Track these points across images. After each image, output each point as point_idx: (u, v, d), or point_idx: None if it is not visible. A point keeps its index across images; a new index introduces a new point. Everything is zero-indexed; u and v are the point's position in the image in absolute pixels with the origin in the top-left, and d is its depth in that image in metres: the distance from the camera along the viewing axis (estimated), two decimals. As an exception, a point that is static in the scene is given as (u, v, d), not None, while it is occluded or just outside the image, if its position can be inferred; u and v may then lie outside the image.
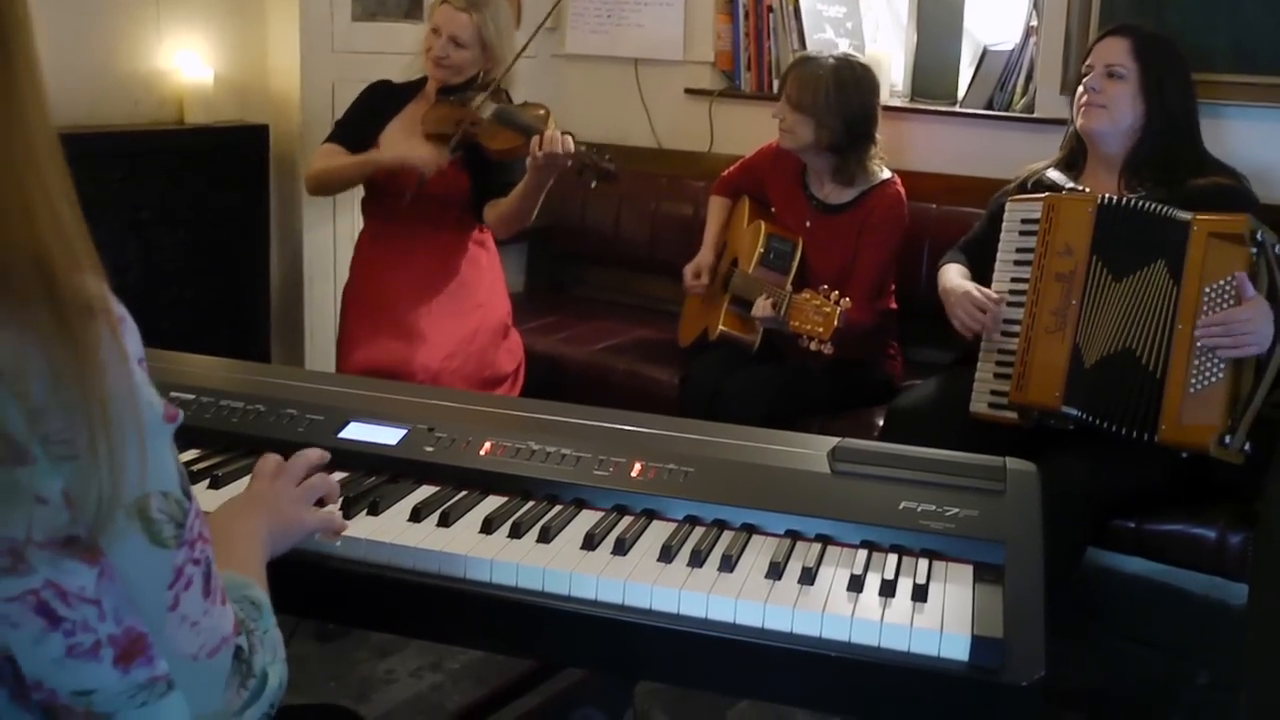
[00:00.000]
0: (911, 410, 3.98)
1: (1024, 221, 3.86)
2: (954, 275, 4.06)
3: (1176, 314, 3.51)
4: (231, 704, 1.45)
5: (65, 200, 1.33)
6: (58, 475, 1.26)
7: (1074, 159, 4.07)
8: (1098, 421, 3.60)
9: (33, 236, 1.27)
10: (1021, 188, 4.04)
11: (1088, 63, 3.98)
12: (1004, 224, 3.92)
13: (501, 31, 4.56)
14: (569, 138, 4.21)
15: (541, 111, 4.41)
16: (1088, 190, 3.87)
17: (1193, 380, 3.47)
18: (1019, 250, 3.85)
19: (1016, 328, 3.79)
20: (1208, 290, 3.46)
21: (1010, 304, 3.84)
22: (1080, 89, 3.96)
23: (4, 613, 1.29)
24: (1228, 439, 3.41)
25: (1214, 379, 3.44)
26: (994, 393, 3.81)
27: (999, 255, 3.91)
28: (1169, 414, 3.50)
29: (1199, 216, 3.51)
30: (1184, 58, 3.96)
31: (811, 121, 4.44)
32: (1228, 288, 3.42)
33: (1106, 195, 3.70)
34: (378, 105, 4.64)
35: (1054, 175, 4.01)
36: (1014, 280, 3.84)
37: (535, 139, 4.19)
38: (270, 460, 2.05)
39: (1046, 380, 3.68)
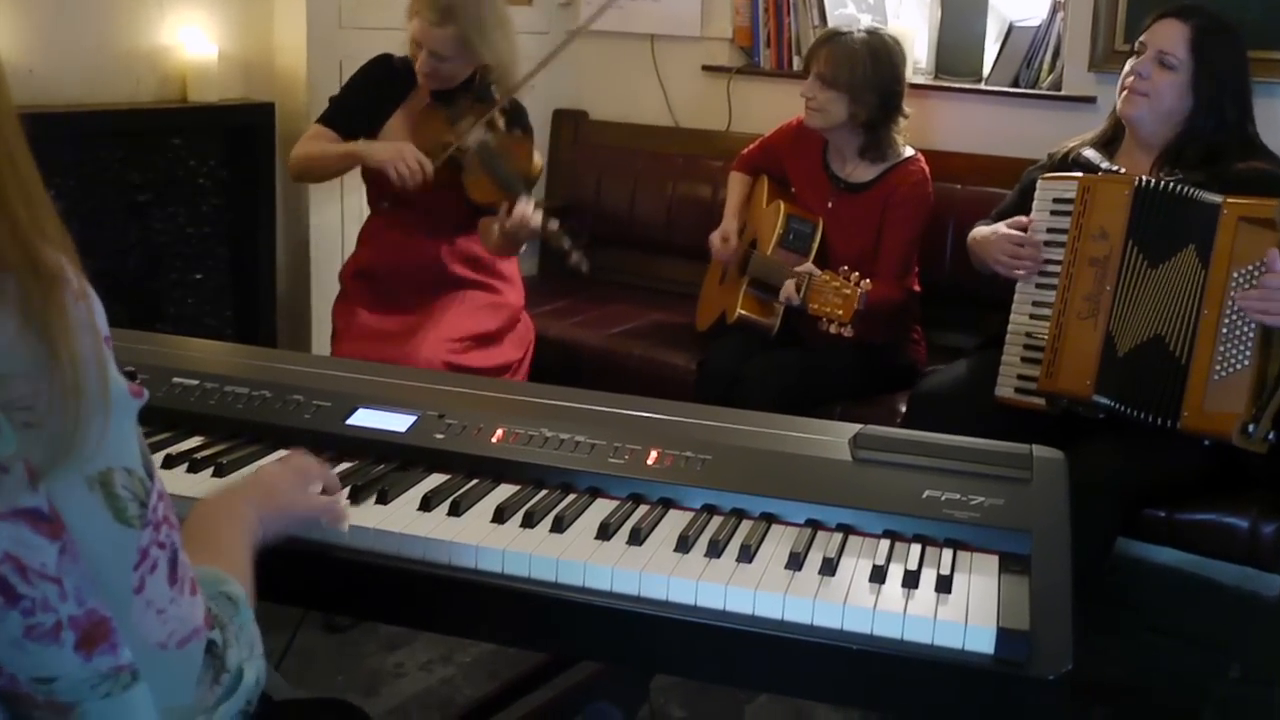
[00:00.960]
0: (935, 395, 3.97)
1: (1056, 201, 3.82)
2: (983, 228, 4.04)
3: (1203, 299, 3.50)
4: (204, 700, 1.44)
5: (30, 172, 1.34)
6: (19, 443, 1.25)
7: (1114, 136, 4.01)
8: (1128, 410, 3.59)
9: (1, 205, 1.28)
10: (1055, 164, 4.01)
11: (1141, 39, 3.87)
12: (1035, 202, 3.87)
13: (487, 34, 4.34)
14: (538, 214, 4.15)
15: (524, 158, 4.33)
16: (1123, 171, 3.84)
17: (1217, 367, 3.46)
18: (1050, 230, 3.81)
19: (1046, 311, 3.77)
20: (1236, 275, 3.44)
21: (1040, 285, 3.82)
22: (1127, 68, 3.88)
23: None
24: (1251, 428, 3.40)
25: (1239, 366, 3.43)
26: (1021, 377, 3.79)
27: (1031, 235, 3.88)
28: (1191, 401, 3.49)
29: (1230, 200, 3.48)
30: (1244, 47, 3.85)
31: (845, 98, 4.43)
32: (1256, 272, 3.41)
33: (1143, 178, 3.65)
34: (374, 89, 4.55)
35: (1089, 154, 3.95)
36: (1046, 261, 3.81)
37: (504, 207, 4.18)
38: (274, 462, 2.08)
39: (1078, 368, 3.66)
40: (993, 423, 3.28)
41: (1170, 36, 3.78)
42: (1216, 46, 3.78)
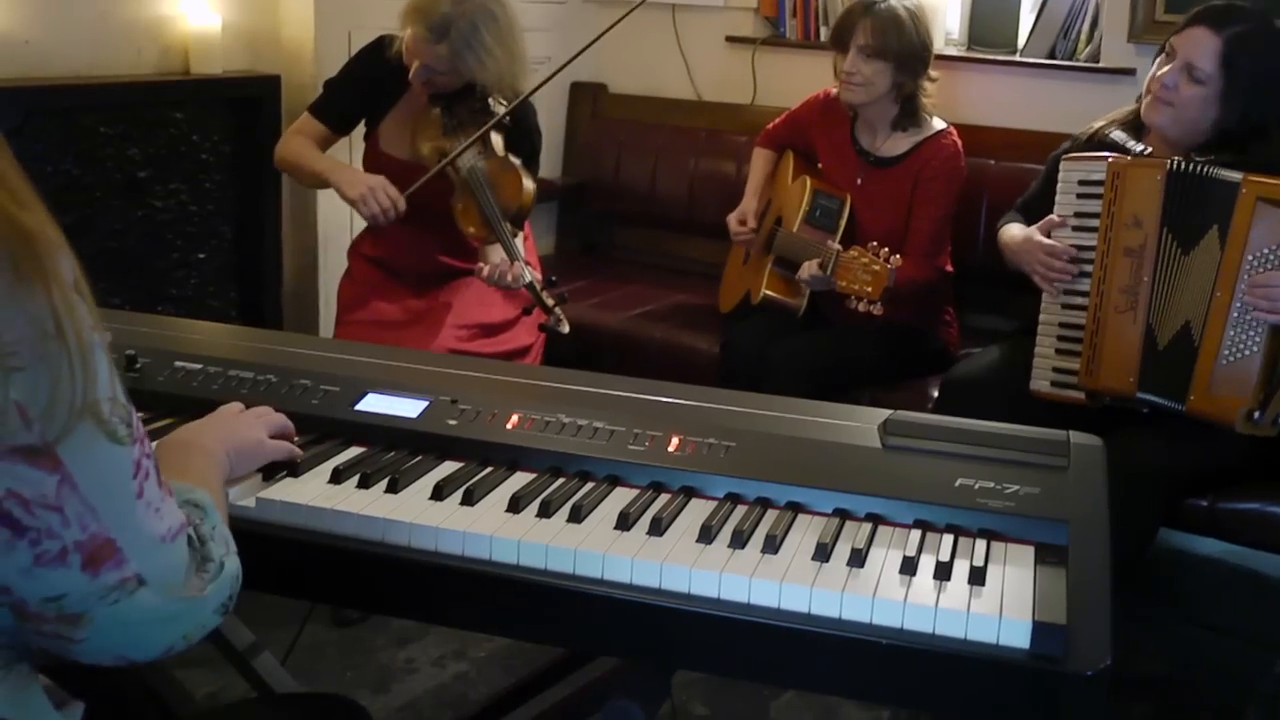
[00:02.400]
0: (969, 381, 3.96)
1: (1081, 183, 3.77)
2: (1013, 229, 4.02)
3: (1217, 281, 3.48)
4: (194, 585, 1.60)
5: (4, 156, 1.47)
6: (8, 385, 1.39)
7: (1139, 122, 3.94)
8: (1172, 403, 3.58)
9: None
10: (1080, 146, 3.97)
11: (1171, 42, 3.77)
12: (1059, 185, 3.83)
13: (484, 55, 4.17)
14: (518, 267, 4.04)
15: (514, 188, 4.21)
16: (1151, 153, 3.80)
17: (1225, 352, 3.45)
18: (1077, 214, 3.78)
19: (1079, 300, 3.75)
20: (1250, 258, 3.42)
21: (1078, 274, 3.79)
22: (1154, 70, 3.80)
23: None
24: (1257, 415, 3.39)
25: (1248, 352, 3.42)
26: (1057, 370, 3.78)
27: (1056, 219, 3.85)
28: (1199, 383, 3.49)
29: (1249, 178, 3.45)
30: None
31: (890, 68, 4.44)
32: (1272, 257, 3.38)
33: (1175, 160, 3.61)
34: (371, 80, 4.46)
35: (1117, 135, 3.92)
36: (1073, 247, 3.78)
37: (481, 259, 4.19)
38: (233, 405, 2.23)
39: (1119, 364, 3.65)
40: (1029, 409, 3.27)
41: (1200, 48, 3.67)
42: (1251, 58, 3.66)
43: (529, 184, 4.23)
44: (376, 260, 4.51)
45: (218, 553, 1.66)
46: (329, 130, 4.43)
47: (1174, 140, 3.80)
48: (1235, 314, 3.44)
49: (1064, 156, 3.90)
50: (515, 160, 4.27)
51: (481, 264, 4.15)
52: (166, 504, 1.58)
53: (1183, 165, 3.57)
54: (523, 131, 4.43)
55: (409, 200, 4.23)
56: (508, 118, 4.27)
